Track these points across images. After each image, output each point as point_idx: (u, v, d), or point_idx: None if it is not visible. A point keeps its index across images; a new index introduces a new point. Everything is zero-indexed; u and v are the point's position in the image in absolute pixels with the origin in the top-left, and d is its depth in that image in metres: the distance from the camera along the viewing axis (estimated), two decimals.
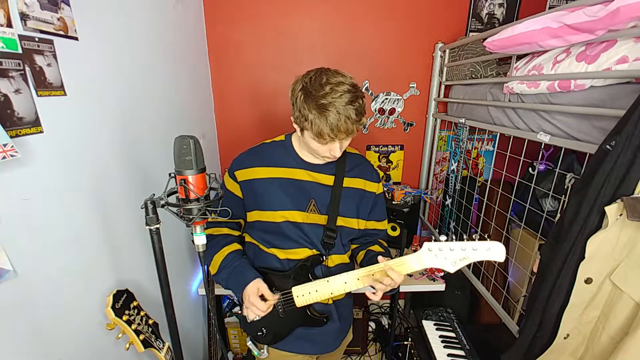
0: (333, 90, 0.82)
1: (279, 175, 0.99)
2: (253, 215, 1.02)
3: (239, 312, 1.06)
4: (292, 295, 0.96)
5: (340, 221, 1.01)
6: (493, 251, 0.78)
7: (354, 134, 0.89)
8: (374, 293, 0.92)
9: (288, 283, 0.98)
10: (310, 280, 0.96)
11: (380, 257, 0.90)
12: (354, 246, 1.14)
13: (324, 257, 1.02)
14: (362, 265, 1.03)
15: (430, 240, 0.84)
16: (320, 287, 0.93)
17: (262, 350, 1.08)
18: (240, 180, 1.00)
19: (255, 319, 1.01)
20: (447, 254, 0.81)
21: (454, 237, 0.82)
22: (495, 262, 0.80)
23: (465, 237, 0.81)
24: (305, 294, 0.94)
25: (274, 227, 0.99)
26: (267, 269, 1.02)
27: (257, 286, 0.94)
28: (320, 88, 0.82)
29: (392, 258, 1.01)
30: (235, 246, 1.05)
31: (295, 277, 0.99)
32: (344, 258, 1.07)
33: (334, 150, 0.90)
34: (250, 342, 1.09)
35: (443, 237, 0.81)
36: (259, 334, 1.04)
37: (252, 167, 0.99)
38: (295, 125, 0.92)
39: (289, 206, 0.97)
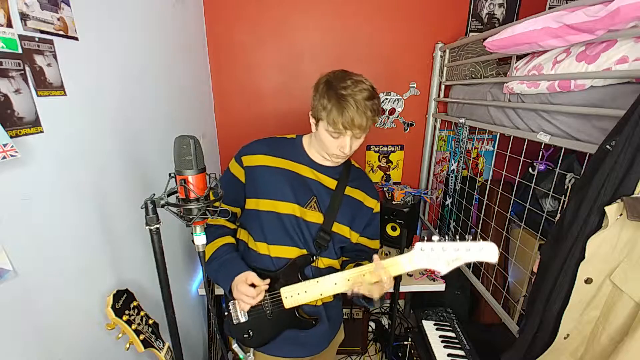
0: (354, 84, 0.88)
1: (284, 166, 1.00)
2: (250, 204, 1.01)
3: (225, 313, 1.04)
4: (280, 296, 0.94)
5: (335, 227, 1.01)
6: (486, 252, 0.77)
7: (366, 132, 0.92)
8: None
9: (277, 283, 0.96)
10: (300, 281, 0.95)
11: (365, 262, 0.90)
12: (344, 258, 1.11)
13: (314, 258, 1.00)
14: None
15: (430, 240, 0.82)
16: (310, 288, 0.91)
17: (248, 354, 1.06)
18: (246, 165, 1.00)
19: (241, 321, 0.99)
20: (440, 254, 0.79)
21: (446, 237, 0.80)
22: (493, 263, 0.79)
23: (457, 237, 0.80)
24: (294, 295, 0.93)
25: (270, 217, 0.97)
26: (255, 267, 1.00)
27: (245, 276, 0.93)
28: (342, 80, 0.88)
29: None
30: (229, 239, 1.04)
31: (284, 277, 0.97)
32: (336, 263, 1.06)
33: (344, 146, 0.91)
34: (236, 345, 1.06)
35: (436, 237, 0.80)
36: (245, 336, 1.02)
37: (260, 154, 1.01)
38: (311, 119, 0.95)
39: (290, 198, 0.98)
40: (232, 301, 1.00)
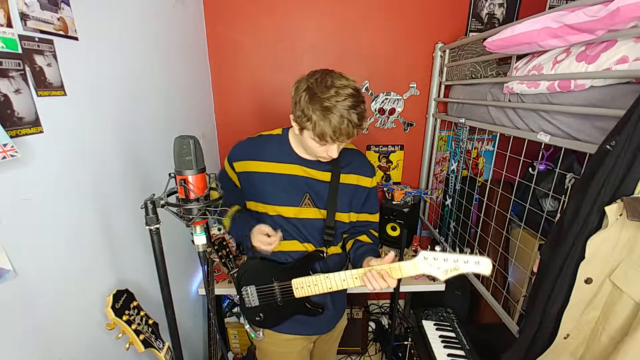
0: (338, 93, 0.83)
1: (274, 170, 1.01)
2: (250, 205, 1.08)
3: (238, 296, 1.12)
4: (291, 286, 1.00)
5: (336, 217, 1.05)
6: (481, 265, 0.85)
7: (354, 138, 0.91)
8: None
9: (288, 274, 1.02)
10: (309, 274, 1.00)
11: (373, 261, 0.94)
12: (344, 236, 1.17)
13: (325, 254, 1.06)
14: (350, 253, 1.11)
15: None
16: (320, 282, 0.97)
17: (258, 332, 1.15)
18: (238, 171, 1.05)
19: (253, 305, 1.07)
20: (441, 264, 0.87)
21: (447, 248, 0.89)
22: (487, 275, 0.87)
23: (457, 242, 0.86)
24: (304, 287, 0.99)
25: (268, 220, 1.03)
26: (266, 258, 1.07)
27: (259, 228, 0.99)
28: (325, 90, 0.84)
29: (379, 251, 1.09)
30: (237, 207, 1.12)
31: (295, 269, 1.03)
32: (337, 249, 1.13)
33: (331, 151, 0.92)
34: (248, 326, 1.15)
35: (438, 248, 0.89)
36: (257, 318, 1.09)
37: (249, 160, 1.03)
38: (294, 124, 0.93)
39: (284, 201, 1.01)
40: (244, 287, 1.06)
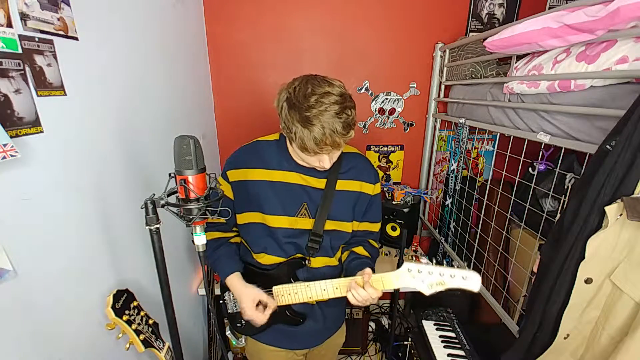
0: (318, 102, 0.77)
1: (271, 178, 0.96)
2: (242, 218, 1.00)
3: (221, 300, 1.12)
4: (272, 294, 0.97)
5: (332, 225, 0.99)
6: (469, 281, 0.80)
7: (342, 147, 0.86)
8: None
9: (269, 281, 0.98)
10: (291, 282, 0.96)
11: (363, 271, 0.90)
12: (343, 245, 1.10)
13: (306, 261, 1.01)
14: (344, 266, 1.06)
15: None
16: (300, 290, 0.93)
17: (240, 339, 1.14)
18: (232, 180, 0.98)
19: (235, 311, 1.06)
20: (425, 277, 0.83)
21: (434, 261, 0.84)
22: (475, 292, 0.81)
23: (445, 263, 0.83)
24: (285, 295, 0.95)
25: (261, 229, 0.98)
26: (251, 265, 1.04)
27: (252, 299, 0.95)
28: (304, 100, 0.78)
29: (374, 262, 1.04)
30: (220, 234, 1.07)
31: (276, 276, 0.99)
32: (332, 261, 1.05)
33: (323, 161, 0.87)
34: (229, 332, 1.15)
35: (424, 260, 0.83)
36: (238, 325, 1.07)
37: (245, 168, 0.97)
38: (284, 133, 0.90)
39: (278, 211, 0.96)
40: (227, 292, 1.05)
